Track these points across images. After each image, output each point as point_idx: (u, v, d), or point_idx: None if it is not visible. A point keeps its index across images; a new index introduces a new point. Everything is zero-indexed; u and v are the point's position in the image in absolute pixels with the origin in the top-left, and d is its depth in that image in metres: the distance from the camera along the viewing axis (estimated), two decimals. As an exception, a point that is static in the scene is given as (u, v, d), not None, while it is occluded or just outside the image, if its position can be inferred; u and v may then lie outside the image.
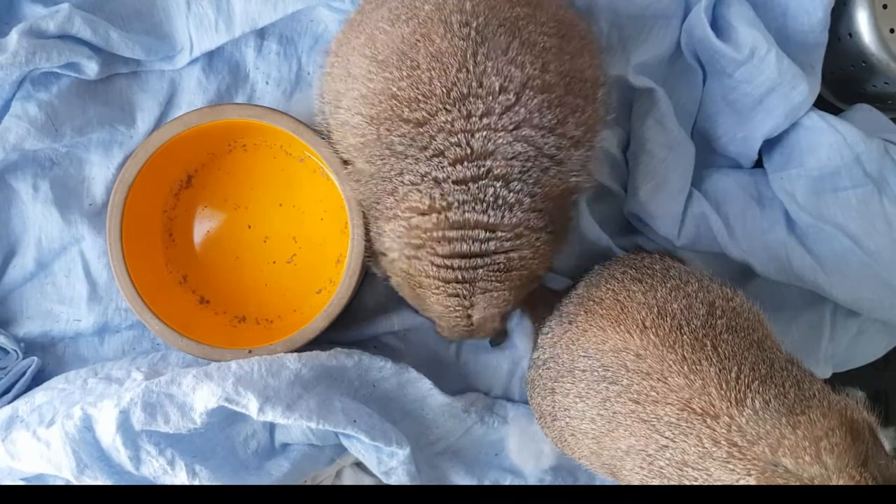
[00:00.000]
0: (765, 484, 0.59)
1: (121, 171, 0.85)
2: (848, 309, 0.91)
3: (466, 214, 0.71)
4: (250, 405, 0.76)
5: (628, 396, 0.68)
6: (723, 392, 0.64)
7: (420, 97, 0.70)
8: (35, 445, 0.77)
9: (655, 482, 0.66)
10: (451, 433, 0.89)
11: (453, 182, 0.71)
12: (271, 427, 0.85)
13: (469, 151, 0.70)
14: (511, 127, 0.70)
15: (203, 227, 0.92)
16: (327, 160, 0.85)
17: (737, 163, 0.95)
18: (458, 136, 0.70)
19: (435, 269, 0.73)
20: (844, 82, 0.98)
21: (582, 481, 0.90)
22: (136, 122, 0.92)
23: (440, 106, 0.70)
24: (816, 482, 0.57)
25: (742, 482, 0.60)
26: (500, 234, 0.72)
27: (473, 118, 0.70)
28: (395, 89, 0.71)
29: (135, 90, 0.92)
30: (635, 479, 0.68)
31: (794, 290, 0.92)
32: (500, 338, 0.94)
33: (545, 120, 0.71)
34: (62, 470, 0.76)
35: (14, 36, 0.84)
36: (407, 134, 0.71)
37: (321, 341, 0.87)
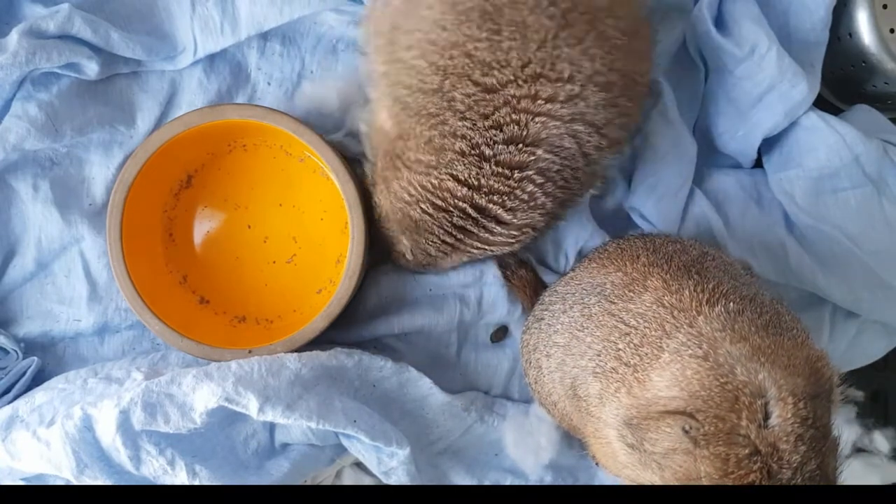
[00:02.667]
0: (705, 371, 0.59)
1: (121, 171, 0.85)
2: (847, 310, 0.91)
3: (491, 205, 0.74)
4: (250, 405, 0.76)
5: (605, 298, 0.70)
6: (695, 294, 0.65)
7: (495, 63, 0.70)
8: (35, 445, 0.77)
9: (610, 364, 0.66)
10: (452, 432, 0.89)
11: (496, 163, 0.72)
12: (271, 427, 0.85)
13: (525, 133, 0.71)
14: (567, 118, 0.71)
15: (203, 227, 0.92)
16: (327, 161, 0.85)
17: (737, 162, 0.95)
18: (521, 115, 0.70)
19: (442, 230, 0.77)
20: (844, 82, 0.98)
21: (582, 481, 0.90)
22: (137, 122, 0.91)
23: (512, 78, 0.70)
24: (748, 390, 0.57)
25: (686, 353, 0.60)
26: (507, 231, 0.76)
27: (539, 101, 0.70)
28: (471, 47, 0.70)
29: (135, 90, 0.92)
30: (590, 366, 0.68)
31: (793, 291, 0.92)
32: (500, 335, 0.94)
33: (597, 118, 0.73)
34: (62, 470, 0.76)
35: (14, 36, 0.84)
36: (472, 95, 0.71)
37: (321, 341, 0.87)
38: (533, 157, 0.72)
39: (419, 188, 0.76)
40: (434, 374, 0.88)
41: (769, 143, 0.92)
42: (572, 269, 0.84)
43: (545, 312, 0.79)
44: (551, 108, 0.70)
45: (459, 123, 0.72)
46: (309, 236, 0.92)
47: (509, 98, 0.70)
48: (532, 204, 0.74)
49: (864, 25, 0.91)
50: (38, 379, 0.89)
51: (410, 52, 0.73)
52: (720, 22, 0.89)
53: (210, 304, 0.92)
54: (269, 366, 0.80)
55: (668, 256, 0.73)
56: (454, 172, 0.74)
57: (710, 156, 0.96)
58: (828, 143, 0.88)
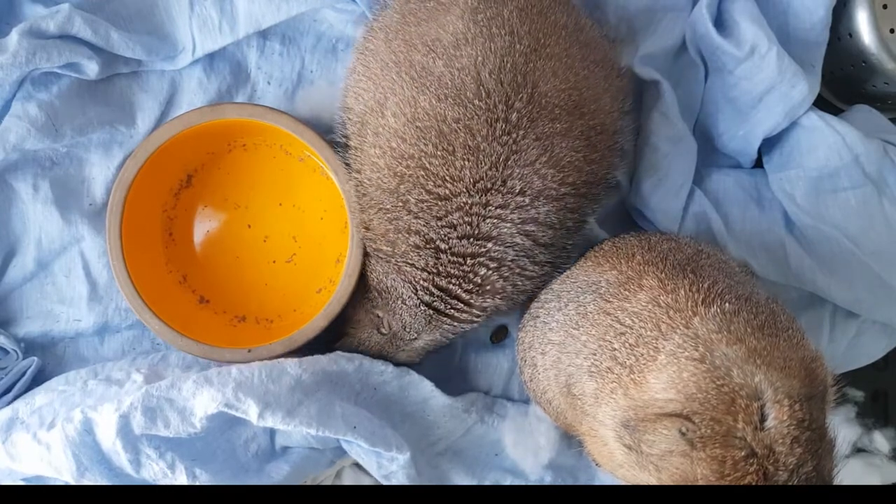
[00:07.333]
0: (702, 374, 0.59)
1: (121, 171, 0.85)
2: (847, 310, 0.91)
3: (451, 286, 0.78)
4: (250, 411, 0.76)
5: (601, 296, 0.71)
6: (691, 294, 0.65)
7: (448, 178, 0.74)
8: (35, 448, 0.77)
9: (606, 364, 0.66)
10: (452, 433, 0.89)
11: (452, 254, 0.76)
12: (272, 430, 0.85)
13: (477, 231, 0.75)
14: (518, 222, 0.76)
15: (203, 226, 0.93)
16: (327, 160, 0.85)
17: (737, 162, 0.95)
18: (473, 217, 0.75)
19: (411, 300, 0.80)
20: (844, 82, 0.98)
21: (582, 481, 0.90)
22: (137, 122, 0.91)
23: (464, 190, 0.74)
24: (744, 392, 0.57)
25: (682, 356, 0.60)
26: (470, 310, 0.80)
27: (490, 207, 0.75)
28: (426, 162, 0.74)
29: (135, 90, 0.92)
30: (585, 365, 0.68)
31: (793, 292, 0.92)
32: (500, 336, 0.94)
33: (550, 219, 0.77)
34: (62, 473, 0.76)
35: (14, 36, 0.83)
36: (425, 201, 0.75)
37: (321, 341, 0.87)
38: (484, 249, 0.76)
39: (385, 268, 0.81)
40: (434, 375, 0.88)
41: (769, 143, 0.92)
42: (568, 268, 0.84)
43: (540, 310, 0.80)
44: (502, 213, 0.75)
45: (413, 220, 0.76)
46: (309, 236, 0.92)
47: (461, 205, 0.74)
48: (489, 288, 0.78)
49: (864, 25, 0.91)
50: (38, 379, 0.89)
51: (374, 149, 0.78)
52: (720, 22, 0.88)
53: (210, 303, 0.92)
54: (269, 371, 0.79)
55: (663, 255, 0.73)
56: (411, 261, 0.78)
57: (710, 156, 0.96)
58: (828, 143, 0.87)
